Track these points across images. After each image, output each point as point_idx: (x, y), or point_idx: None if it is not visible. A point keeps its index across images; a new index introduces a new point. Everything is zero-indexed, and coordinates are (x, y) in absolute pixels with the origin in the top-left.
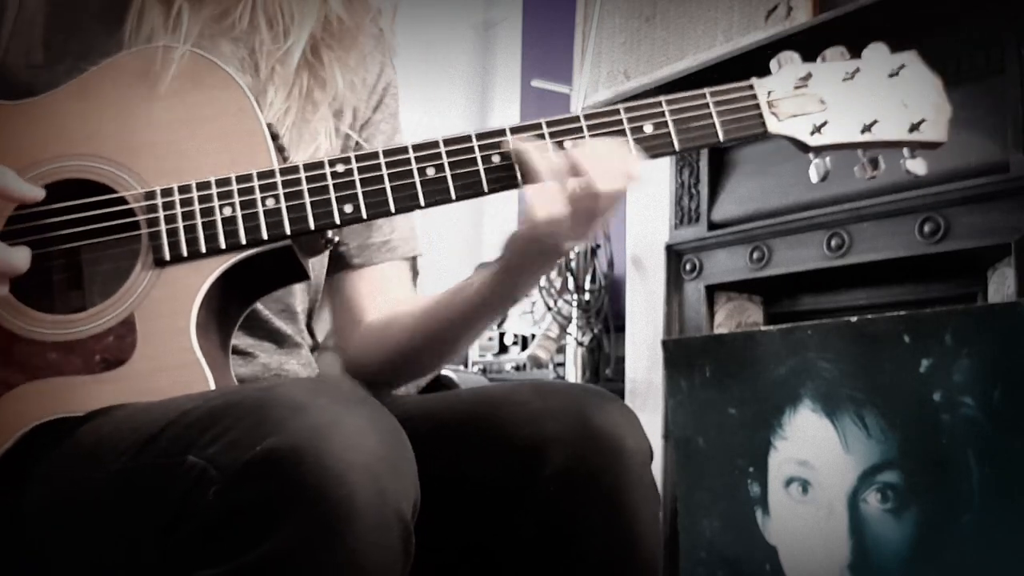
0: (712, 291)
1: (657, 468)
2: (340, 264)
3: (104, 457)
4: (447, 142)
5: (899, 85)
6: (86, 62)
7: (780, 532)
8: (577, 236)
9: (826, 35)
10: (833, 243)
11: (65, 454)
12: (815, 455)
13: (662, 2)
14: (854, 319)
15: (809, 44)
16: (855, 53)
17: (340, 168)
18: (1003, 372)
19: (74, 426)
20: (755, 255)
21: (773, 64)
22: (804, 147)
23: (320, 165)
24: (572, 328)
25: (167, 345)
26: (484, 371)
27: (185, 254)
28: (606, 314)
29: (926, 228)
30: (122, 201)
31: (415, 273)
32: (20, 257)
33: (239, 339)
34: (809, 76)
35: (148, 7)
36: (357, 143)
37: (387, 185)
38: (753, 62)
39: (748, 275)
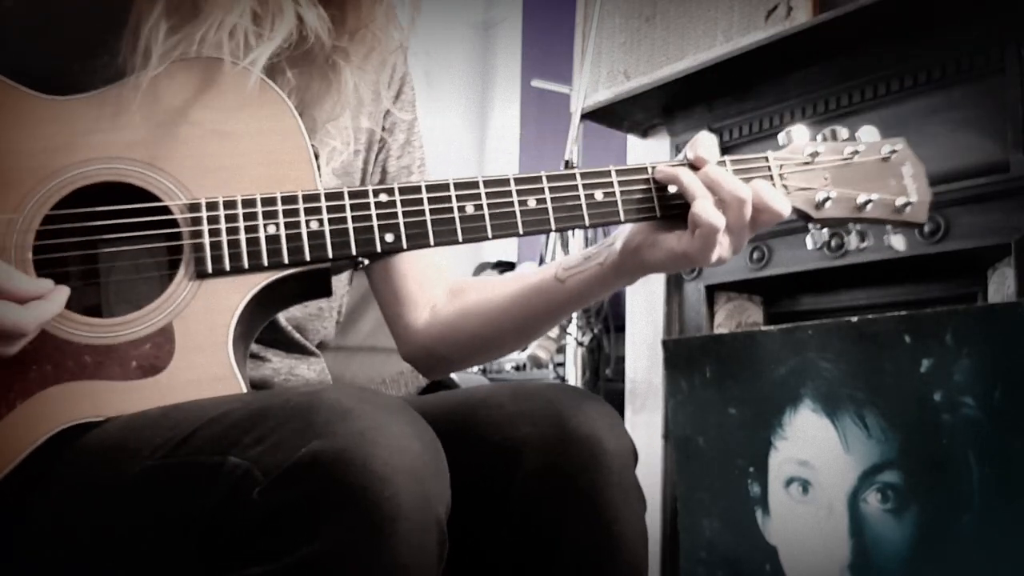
0: (712, 291)
1: (657, 468)
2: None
3: (138, 452)
4: (487, 183)
5: (889, 170)
6: (129, 64)
7: (780, 532)
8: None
9: (826, 35)
10: (833, 243)
11: (95, 448)
12: (815, 455)
13: (662, 2)
14: (854, 319)
15: (809, 44)
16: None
17: (384, 198)
18: (1003, 372)
19: (104, 421)
20: (755, 255)
21: (782, 137)
22: (808, 218)
23: (364, 193)
24: (572, 328)
25: (204, 357)
26: (484, 371)
27: (228, 268)
28: (606, 314)
29: (926, 228)
30: (165, 210)
31: None
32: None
33: None
34: (816, 155)
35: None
36: (383, 141)
37: (428, 218)
38: (753, 63)
39: (748, 275)
